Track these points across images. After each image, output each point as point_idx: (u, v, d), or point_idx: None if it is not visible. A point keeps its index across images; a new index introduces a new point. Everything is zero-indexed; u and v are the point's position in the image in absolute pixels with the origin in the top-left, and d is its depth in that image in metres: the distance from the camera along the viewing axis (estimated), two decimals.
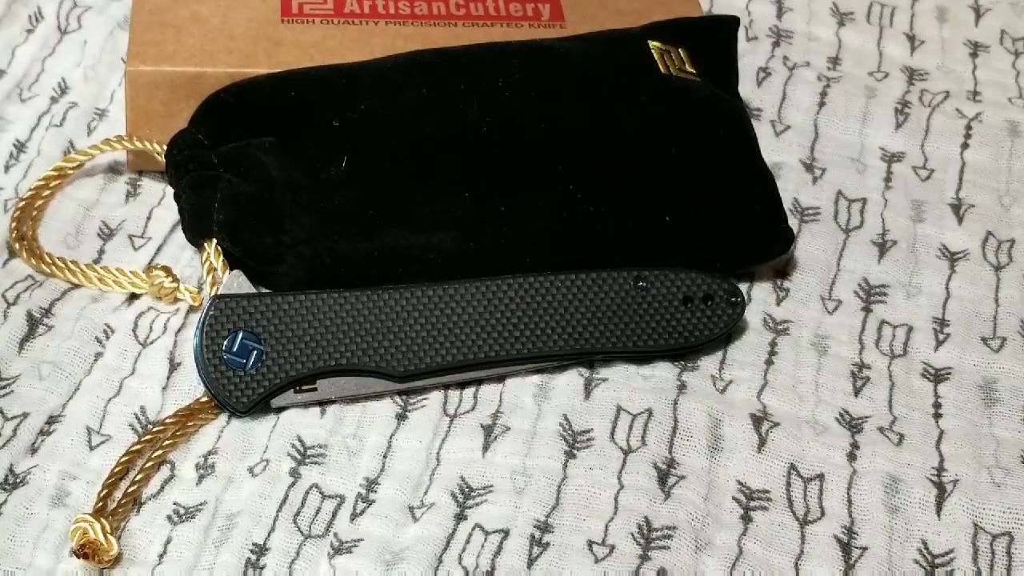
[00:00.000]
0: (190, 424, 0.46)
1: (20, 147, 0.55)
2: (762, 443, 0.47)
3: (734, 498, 0.45)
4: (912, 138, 0.59)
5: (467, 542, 0.43)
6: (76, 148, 0.55)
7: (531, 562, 0.43)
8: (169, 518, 0.44)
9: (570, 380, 0.48)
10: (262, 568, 0.42)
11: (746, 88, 0.58)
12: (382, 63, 0.52)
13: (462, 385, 0.48)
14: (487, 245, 0.49)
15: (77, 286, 0.50)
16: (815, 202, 0.56)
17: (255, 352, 0.46)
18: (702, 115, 0.53)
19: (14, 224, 0.51)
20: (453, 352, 0.47)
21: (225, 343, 0.46)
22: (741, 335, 0.50)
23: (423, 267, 0.49)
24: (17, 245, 0.51)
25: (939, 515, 0.45)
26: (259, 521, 0.43)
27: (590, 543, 0.43)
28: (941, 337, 0.51)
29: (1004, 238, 0.55)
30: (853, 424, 0.48)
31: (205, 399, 0.46)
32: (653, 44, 0.53)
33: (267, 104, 0.50)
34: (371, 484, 0.45)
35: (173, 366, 0.48)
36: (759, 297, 0.52)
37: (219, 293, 0.47)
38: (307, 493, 0.44)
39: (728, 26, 0.56)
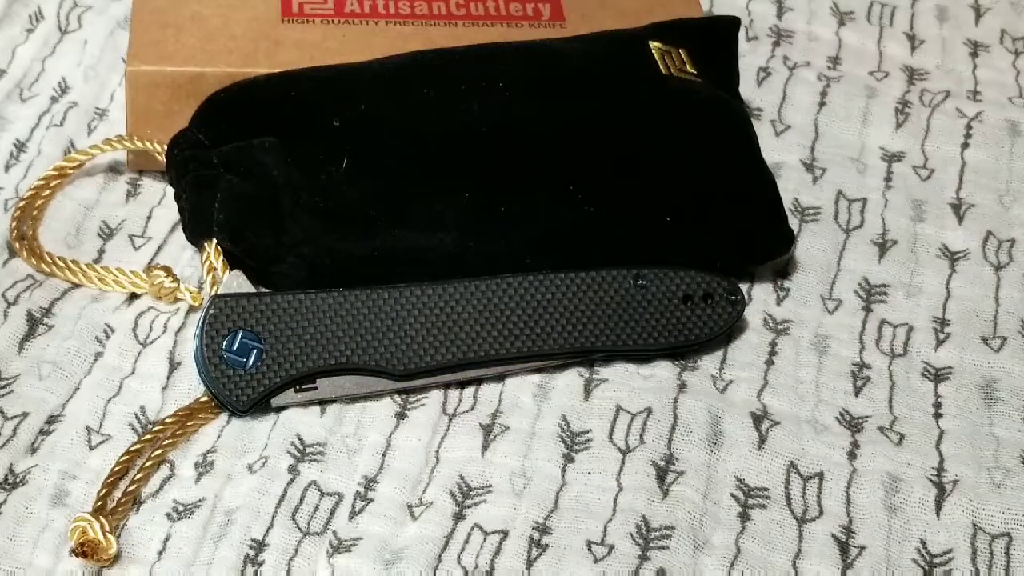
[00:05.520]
0: (190, 424, 0.46)
1: (20, 147, 0.55)
2: (762, 440, 0.47)
3: (732, 495, 0.45)
4: (912, 138, 0.59)
5: (466, 542, 0.43)
6: (76, 148, 0.55)
7: (530, 563, 0.43)
8: (168, 516, 0.44)
9: (569, 380, 0.48)
10: (261, 564, 0.42)
11: (746, 88, 0.58)
12: (382, 63, 0.52)
13: (462, 384, 0.48)
14: (487, 245, 0.49)
15: (77, 286, 0.50)
16: (815, 202, 0.56)
17: (255, 351, 0.46)
18: (702, 116, 0.53)
19: (14, 223, 0.51)
20: (453, 351, 0.47)
21: (225, 342, 0.46)
22: (741, 335, 0.50)
23: (423, 267, 0.49)
24: (17, 244, 0.51)
25: (938, 515, 0.45)
26: (257, 517, 0.43)
27: (589, 543, 0.43)
28: (941, 337, 0.51)
29: (1004, 238, 0.55)
30: (853, 424, 0.48)
31: (205, 398, 0.46)
32: (654, 45, 0.53)
33: (267, 104, 0.50)
34: (370, 482, 0.45)
35: (173, 366, 0.48)
36: (759, 297, 0.52)
37: (219, 292, 0.47)
38: (305, 490, 0.44)
39: (729, 27, 0.56)
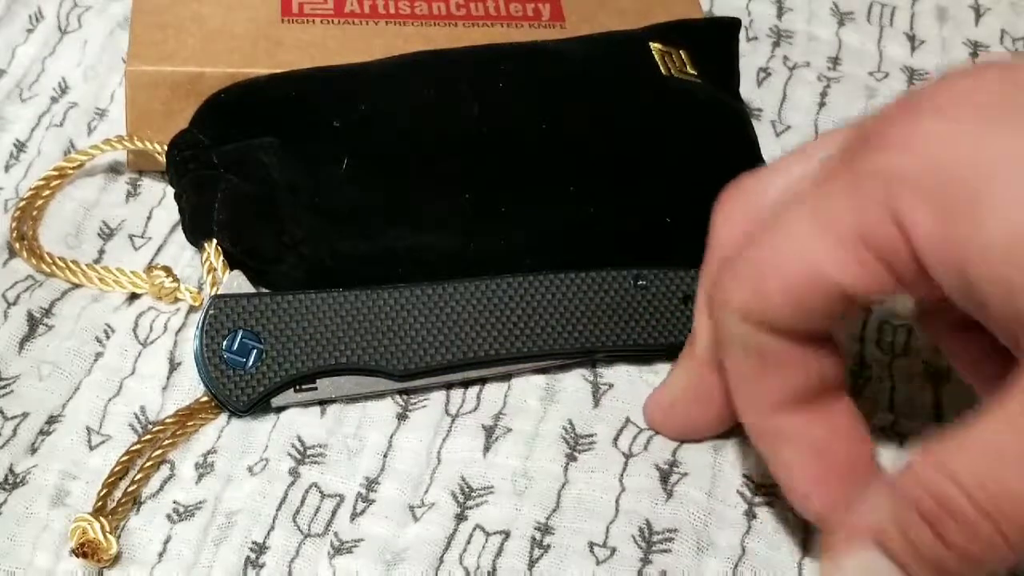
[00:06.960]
0: (190, 424, 0.46)
1: (20, 147, 0.55)
2: None
3: (738, 492, 0.45)
4: None
5: (468, 543, 0.43)
6: (76, 148, 0.55)
7: (532, 563, 0.43)
8: (168, 517, 0.43)
9: (575, 384, 0.48)
10: (262, 567, 0.42)
11: (746, 88, 0.58)
12: (382, 63, 0.52)
13: (464, 385, 0.48)
14: (487, 246, 0.49)
15: (77, 286, 0.50)
16: None
17: (255, 351, 0.46)
18: (703, 117, 0.53)
19: (14, 224, 0.51)
20: (453, 351, 0.47)
21: (225, 342, 0.46)
22: None
23: (423, 267, 0.49)
24: (17, 245, 0.51)
25: None
26: (258, 520, 0.43)
27: (591, 545, 0.43)
28: None
29: None
30: None
31: (205, 399, 0.46)
32: (654, 46, 0.53)
33: (268, 104, 0.50)
34: (371, 484, 0.45)
35: (173, 366, 0.48)
36: None
37: (219, 293, 0.47)
38: (306, 492, 0.44)
39: (729, 28, 0.56)
